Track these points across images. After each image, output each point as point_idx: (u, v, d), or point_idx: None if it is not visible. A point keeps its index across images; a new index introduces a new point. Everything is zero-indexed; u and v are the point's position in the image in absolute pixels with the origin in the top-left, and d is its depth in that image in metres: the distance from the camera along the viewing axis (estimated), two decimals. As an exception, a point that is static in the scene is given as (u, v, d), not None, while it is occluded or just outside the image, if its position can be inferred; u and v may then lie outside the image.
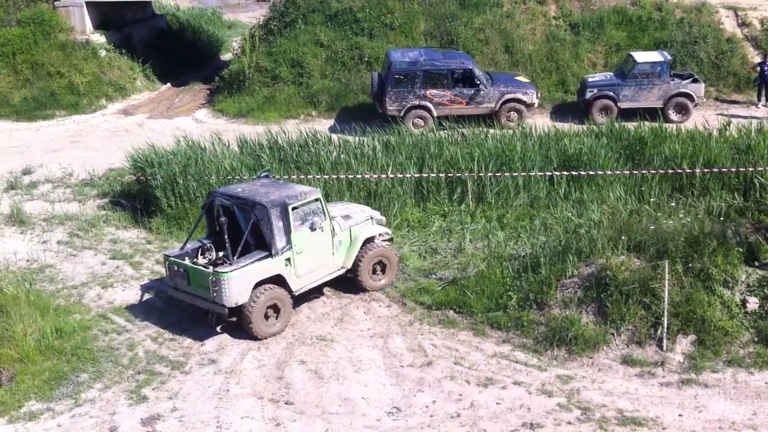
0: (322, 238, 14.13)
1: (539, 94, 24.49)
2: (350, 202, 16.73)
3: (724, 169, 17.63)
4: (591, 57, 27.20)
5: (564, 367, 12.53)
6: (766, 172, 17.01)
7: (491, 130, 21.12)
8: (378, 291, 14.95)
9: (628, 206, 16.67)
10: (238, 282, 13.11)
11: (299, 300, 14.38)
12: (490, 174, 18.12)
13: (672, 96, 23.61)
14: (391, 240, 15.67)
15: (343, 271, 14.77)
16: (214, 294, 13.14)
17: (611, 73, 24.78)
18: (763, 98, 24.65)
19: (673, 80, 23.80)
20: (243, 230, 13.71)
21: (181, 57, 32.71)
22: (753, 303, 12.89)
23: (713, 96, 25.64)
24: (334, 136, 21.20)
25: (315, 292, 14.77)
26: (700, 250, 13.39)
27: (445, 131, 21.13)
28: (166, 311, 14.69)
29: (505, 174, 18.10)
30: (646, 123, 20.70)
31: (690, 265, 13.32)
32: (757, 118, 22.78)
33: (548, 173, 18.18)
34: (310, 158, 19.15)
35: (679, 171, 17.71)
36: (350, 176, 18.16)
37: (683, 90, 23.63)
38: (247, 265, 13.27)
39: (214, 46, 36.48)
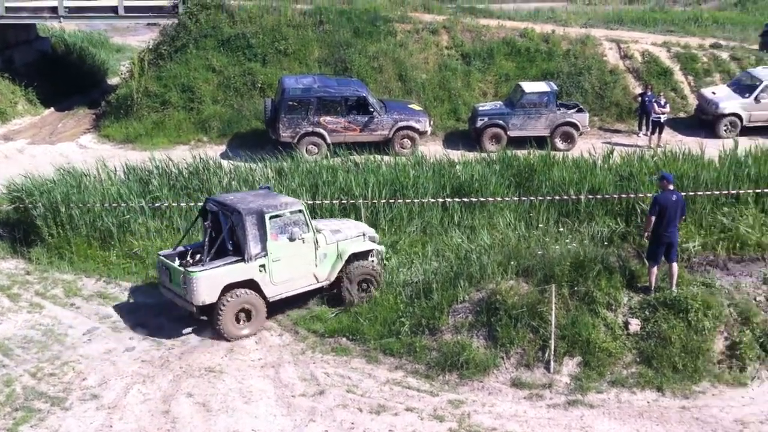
0: (303, 249, 14.39)
1: (432, 122, 24.83)
2: (350, 219, 16.89)
3: (607, 196, 18.23)
4: (482, 86, 27.83)
5: (455, 392, 12.57)
6: (646, 198, 17.66)
7: (385, 157, 21.22)
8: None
9: (517, 232, 16.99)
10: (207, 282, 13.64)
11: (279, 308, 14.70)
12: (383, 201, 18.16)
13: (558, 125, 24.37)
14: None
15: (326, 283, 14.96)
16: (185, 291, 13.74)
17: (501, 103, 25.39)
18: (644, 128, 25.70)
19: (560, 110, 24.56)
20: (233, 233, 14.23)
21: (66, 81, 31.72)
22: (635, 325, 13.30)
23: (597, 125, 26.59)
24: (226, 163, 20.88)
25: (300, 301, 15.03)
26: (585, 274, 13.77)
27: (339, 158, 21.11)
28: (45, 344, 14.01)
29: (399, 201, 18.18)
30: (535, 151, 21.21)
31: (575, 288, 13.67)
32: (638, 146, 23.75)
33: (441, 200, 18.37)
34: (201, 185, 18.74)
35: (566, 197, 18.20)
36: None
37: (569, 119, 24.42)
38: (217, 267, 13.80)
39: (101, 69, 35.48)
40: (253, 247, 13.91)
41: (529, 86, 24.90)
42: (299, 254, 14.38)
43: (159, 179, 19.13)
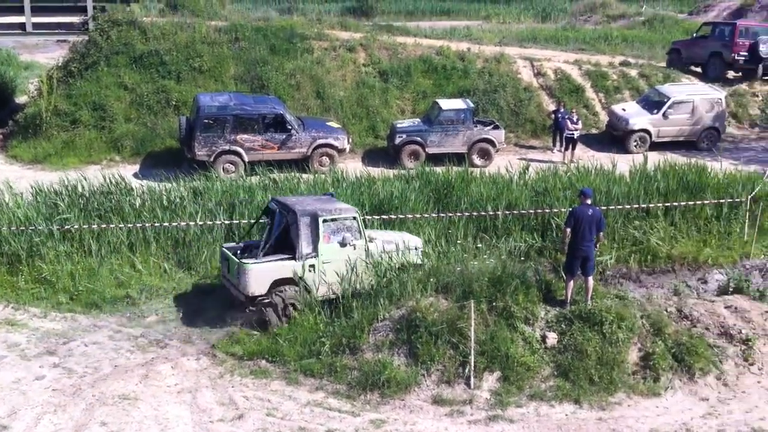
0: (353, 255, 14.83)
1: (350, 140, 24.82)
2: (405, 233, 16.99)
3: (524, 211, 18.53)
4: (400, 103, 28.00)
5: (377, 411, 12.45)
6: (561, 213, 18.01)
7: (303, 175, 21.09)
8: None
9: (436, 248, 17.07)
10: (257, 274, 14.48)
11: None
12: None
13: (475, 141, 24.68)
14: None
15: None
16: (238, 282, 14.63)
17: (419, 120, 25.59)
18: (558, 144, 26.26)
19: (476, 127, 24.89)
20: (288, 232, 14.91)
21: (-30, 100, 30.42)
22: (552, 338, 13.47)
23: (513, 141, 27.07)
24: (139, 183, 20.35)
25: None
26: (503, 290, 13.87)
27: (257, 176, 20.84)
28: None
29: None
30: (453, 167, 21.41)
31: (494, 304, 13.75)
32: (552, 162, 24.25)
33: (360, 217, 18.27)
34: (113, 206, 18.21)
35: (483, 213, 18.40)
36: (156, 225, 17.42)
37: (485, 136, 24.77)
38: (268, 261, 14.64)
39: (8, 88, 34.08)
40: (305, 246, 14.63)
41: (446, 103, 25.17)
42: (349, 259, 14.78)
43: (69, 201, 18.50)
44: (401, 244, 15.64)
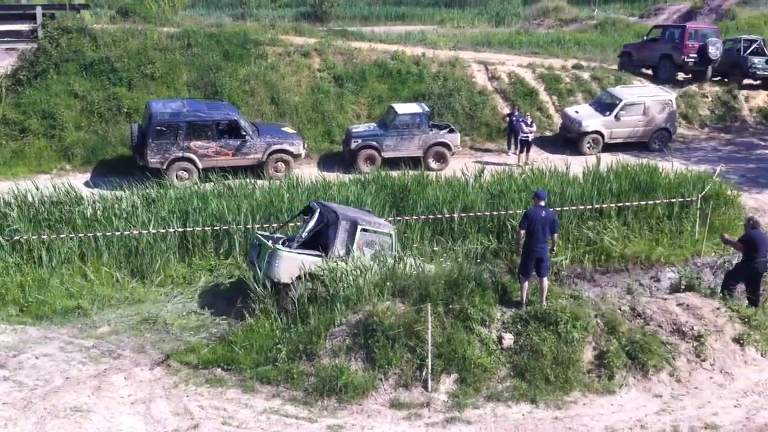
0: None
1: (306, 145, 24.72)
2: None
3: (480, 214, 18.62)
4: (355, 108, 27.99)
5: (334, 417, 12.37)
6: (516, 215, 18.14)
7: (259, 181, 20.94)
8: None
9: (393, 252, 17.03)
10: (288, 262, 14.83)
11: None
12: (257, 226, 17.86)
13: (431, 145, 24.76)
14: None
15: None
16: (267, 267, 14.85)
17: (374, 124, 25.60)
18: (512, 146, 26.47)
19: (432, 130, 24.98)
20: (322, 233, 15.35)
21: None
22: (508, 339, 13.51)
23: (469, 145, 27.23)
24: (91, 191, 20.04)
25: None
26: (460, 292, 13.88)
27: (211, 183, 20.66)
28: None
29: (274, 225, 17.93)
30: (409, 171, 21.43)
31: (450, 306, 13.75)
32: (507, 164, 24.43)
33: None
34: (63, 216, 17.87)
35: (440, 216, 18.45)
36: (108, 234, 17.15)
37: (441, 139, 24.86)
38: (300, 253, 14.98)
39: (-45, 97, 33.45)
40: (339, 248, 15.02)
41: (402, 108, 25.21)
42: None
43: (18, 211, 18.11)
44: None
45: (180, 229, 17.62)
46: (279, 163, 23.48)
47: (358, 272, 15.10)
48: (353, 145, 24.38)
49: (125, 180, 20.75)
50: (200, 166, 22.62)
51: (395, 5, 64.49)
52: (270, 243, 15.51)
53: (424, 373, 12.96)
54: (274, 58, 28.83)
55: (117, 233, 17.27)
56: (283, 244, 15.77)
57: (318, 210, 15.68)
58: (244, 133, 23.08)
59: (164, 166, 22.32)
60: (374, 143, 24.41)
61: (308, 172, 23.24)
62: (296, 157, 23.83)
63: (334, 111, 27.35)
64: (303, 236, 15.45)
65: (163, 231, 17.46)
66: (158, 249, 17.22)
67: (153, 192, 19.29)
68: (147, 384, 13.26)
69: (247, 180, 20.71)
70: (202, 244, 17.76)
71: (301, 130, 25.93)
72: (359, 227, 15.14)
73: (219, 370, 13.56)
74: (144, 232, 17.31)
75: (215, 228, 17.77)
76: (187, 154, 22.53)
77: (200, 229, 17.66)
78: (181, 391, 13.05)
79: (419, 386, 12.93)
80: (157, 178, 20.89)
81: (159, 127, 22.34)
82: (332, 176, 22.18)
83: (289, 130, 24.79)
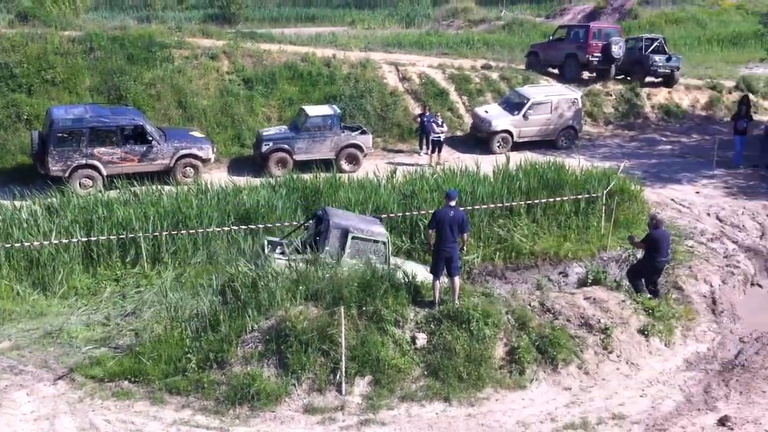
0: None
1: (215, 149, 24.31)
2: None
3: (392, 215, 18.62)
4: (265, 111, 27.68)
5: (247, 425, 12.16)
6: (428, 215, 18.20)
7: (166, 187, 20.46)
8: None
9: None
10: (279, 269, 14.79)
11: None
12: (165, 233, 17.45)
13: (343, 147, 24.67)
14: None
15: None
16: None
17: (285, 127, 25.32)
18: (424, 147, 26.62)
19: (344, 132, 24.90)
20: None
21: None
22: (421, 339, 13.56)
23: (381, 146, 27.26)
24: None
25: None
26: (373, 293, 13.84)
27: (117, 191, 20.08)
28: None
29: (182, 232, 17.55)
30: (321, 174, 21.31)
31: (364, 308, 13.71)
32: (419, 165, 24.56)
33: (226, 228, 17.92)
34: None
35: (352, 218, 18.36)
36: (7, 245, 16.45)
37: (353, 141, 24.80)
38: (292, 259, 15.05)
39: None
40: (330, 254, 14.96)
41: (313, 110, 25.04)
42: None
43: None
44: (421, 277, 15.55)
45: (84, 239, 17.04)
46: (187, 169, 23.00)
47: (270, 277, 14.95)
48: (264, 149, 24.08)
49: (26, 189, 19.98)
50: (105, 173, 21.95)
51: (305, 7, 64.27)
52: (268, 248, 15.88)
53: (338, 377, 12.89)
54: (181, 61, 28.27)
55: (17, 244, 16.58)
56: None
57: (321, 218, 15.82)
58: (151, 139, 22.52)
59: (67, 174, 21.56)
60: (285, 146, 24.16)
61: (218, 176, 22.86)
62: (205, 161, 23.39)
63: (243, 114, 26.98)
64: (299, 242, 15.72)
65: (66, 241, 16.87)
66: (61, 260, 16.62)
67: (55, 201, 18.61)
68: (50, 399, 12.78)
69: (154, 186, 20.19)
70: (108, 254, 17.23)
71: (210, 134, 25.47)
72: (350, 235, 15.19)
73: (126, 382, 13.17)
74: (45, 242, 16.68)
75: (121, 236, 17.26)
76: (90, 161, 21.81)
77: (105, 238, 17.12)
78: (86, 405, 12.62)
79: (333, 390, 12.85)
80: (60, 187, 20.18)
81: (60, 134, 21.58)
82: (243, 180, 21.90)
83: (197, 134, 24.31)
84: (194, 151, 23.08)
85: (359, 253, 15.18)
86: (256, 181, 21.08)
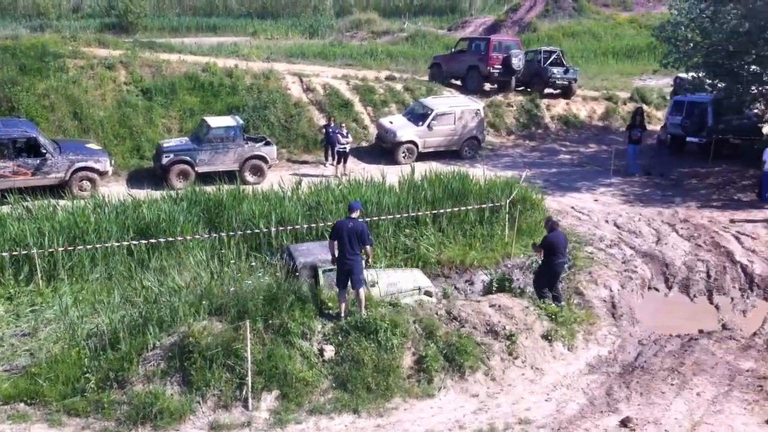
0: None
1: (113, 161, 23.57)
2: (413, 270, 16.98)
3: (297, 226, 18.42)
4: (166, 122, 27.06)
5: (150, 446, 11.78)
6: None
7: (62, 202, 19.70)
8: None
9: (209, 269, 16.50)
10: None
11: None
12: (61, 249, 16.76)
13: (247, 158, 24.32)
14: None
15: None
16: None
17: (187, 138, 24.80)
18: (329, 158, 26.53)
19: (247, 143, 24.55)
20: None
21: None
22: (329, 351, 13.43)
23: (286, 157, 27.02)
24: None
25: None
26: (279, 307, 13.65)
27: (9, 206, 19.19)
28: None
29: (79, 247, 16.89)
30: (224, 186, 20.92)
31: (270, 321, 13.51)
32: (325, 176, 24.45)
33: (125, 243, 17.36)
34: None
35: (256, 231, 18.10)
36: None
37: (257, 153, 24.49)
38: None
39: None
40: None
41: (215, 121, 24.61)
42: None
43: None
44: (407, 286, 15.45)
45: (-27, 258, 16.20)
46: (84, 182, 22.20)
47: (172, 292, 14.55)
48: (164, 161, 23.49)
49: None
50: (-5, 187, 20.99)
51: (206, 16, 63.38)
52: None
53: (244, 392, 12.65)
54: (76, 72, 27.34)
55: None
56: None
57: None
58: (44, 151, 21.65)
59: (-47, 190, 20.53)
60: (187, 158, 23.64)
61: (116, 190, 22.17)
62: (103, 174, 22.62)
63: (142, 125, 26.30)
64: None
65: (-47, 260, 16.00)
66: (-54, 281, 15.75)
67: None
68: (-65, 428, 12.05)
69: (49, 201, 19.40)
70: (0, 271, 16.42)
71: (108, 146, 24.69)
72: (320, 270, 15.01)
73: (22, 404, 12.61)
74: (-70, 261, 15.78)
75: (14, 253, 16.48)
76: (-22, 176, 20.83)
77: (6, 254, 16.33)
78: (-24, 432, 11.96)
79: (240, 406, 12.59)
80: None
81: (-53, 148, 20.53)
82: (142, 193, 21.29)
83: (94, 146, 23.50)
84: (91, 163, 22.30)
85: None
86: (157, 194, 20.51)
